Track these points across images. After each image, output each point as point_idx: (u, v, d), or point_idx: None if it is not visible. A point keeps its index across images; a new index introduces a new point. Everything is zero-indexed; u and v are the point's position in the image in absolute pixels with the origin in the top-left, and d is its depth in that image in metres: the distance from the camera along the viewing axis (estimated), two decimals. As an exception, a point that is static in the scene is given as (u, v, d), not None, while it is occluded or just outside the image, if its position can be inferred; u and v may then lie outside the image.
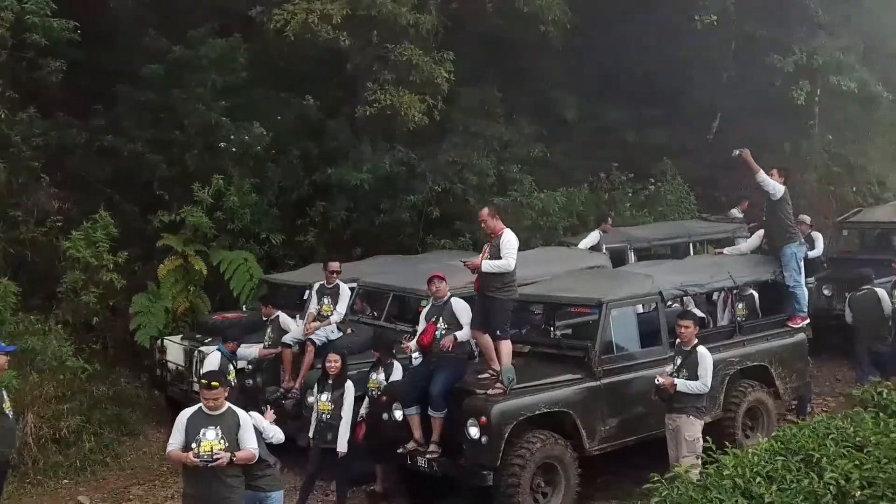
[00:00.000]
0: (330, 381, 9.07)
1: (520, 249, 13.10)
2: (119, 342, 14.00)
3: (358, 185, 15.64)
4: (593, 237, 14.47)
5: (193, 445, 6.72)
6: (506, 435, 8.26)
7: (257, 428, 7.39)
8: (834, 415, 9.00)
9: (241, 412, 7.02)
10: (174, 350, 12.48)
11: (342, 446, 8.89)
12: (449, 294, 9.21)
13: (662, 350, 9.39)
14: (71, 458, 11.11)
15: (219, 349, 10.27)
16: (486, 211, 9.14)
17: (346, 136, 16.35)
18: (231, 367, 10.07)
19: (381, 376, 9.57)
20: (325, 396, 9.04)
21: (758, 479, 7.08)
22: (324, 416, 9.00)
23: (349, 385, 9.09)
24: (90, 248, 12.67)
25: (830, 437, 7.89)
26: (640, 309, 10.17)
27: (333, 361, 9.07)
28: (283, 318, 11.18)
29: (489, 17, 16.51)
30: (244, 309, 13.60)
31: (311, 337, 10.48)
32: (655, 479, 7.17)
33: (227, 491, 6.82)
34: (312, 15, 13.61)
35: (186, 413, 6.93)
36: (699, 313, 10.79)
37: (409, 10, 14.56)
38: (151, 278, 14.36)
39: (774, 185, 10.85)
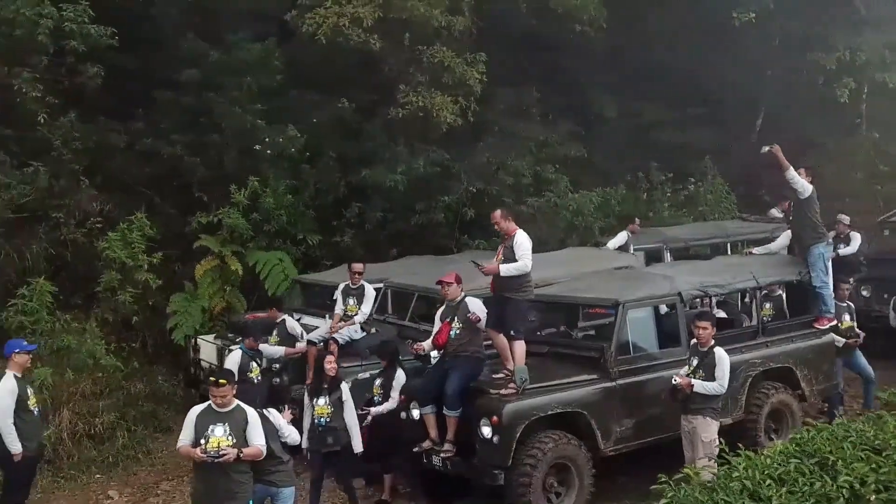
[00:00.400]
0: (325, 385, 8.95)
1: (550, 250, 13.26)
2: (158, 341, 14.33)
3: (392, 186, 15.75)
4: (621, 238, 14.41)
5: (202, 441, 6.90)
6: (517, 434, 8.27)
7: (274, 425, 7.54)
8: (855, 418, 8.85)
9: (249, 409, 7.17)
10: (207, 348, 12.72)
11: (357, 447, 8.94)
12: (463, 294, 9.25)
13: (682, 351, 9.25)
14: (104, 454, 11.38)
15: (240, 347, 10.45)
16: (498, 213, 9.21)
17: (382, 137, 16.47)
18: (254, 364, 10.21)
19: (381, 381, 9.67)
20: (322, 401, 8.92)
21: (768, 482, 7.01)
22: (322, 419, 8.85)
23: (345, 386, 9.05)
24: (125, 249, 12.91)
25: (849, 440, 7.77)
26: (663, 309, 10.07)
27: (330, 363, 9.07)
28: (290, 322, 11.24)
29: (523, 18, 16.45)
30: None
31: (335, 336, 10.60)
32: (662, 479, 7.14)
33: (234, 486, 6.98)
34: (343, 18, 13.76)
35: (196, 410, 7.10)
36: (722, 314, 10.71)
37: (441, 13, 14.63)
38: (190, 278, 14.67)
39: (803, 184, 10.68)
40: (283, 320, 11.22)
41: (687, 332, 9.30)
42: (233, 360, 10.22)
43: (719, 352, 8.47)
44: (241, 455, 6.92)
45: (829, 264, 10.63)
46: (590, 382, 8.84)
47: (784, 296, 11.21)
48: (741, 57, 20.14)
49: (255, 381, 10.01)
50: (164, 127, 15.66)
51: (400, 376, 9.59)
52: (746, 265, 10.67)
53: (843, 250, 12.66)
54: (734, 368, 9.52)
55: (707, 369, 8.41)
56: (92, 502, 10.32)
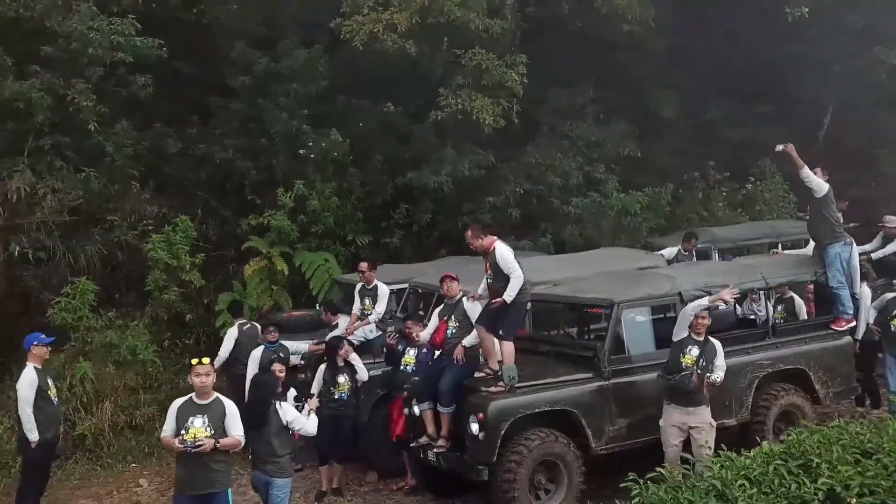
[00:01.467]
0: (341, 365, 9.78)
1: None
2: (210, 338, 14.90)
3: (436, 187, 16.01)
4: (670, 251, 14.21)
5: (182, 432, 7.27)
6: (502, 431, 8.42)
7: (282, 419, 7.82)
8: (852, 420, 8.69)
9: (227, 402, 7.52)
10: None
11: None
12: (461, 293, 9.45)
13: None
14: (141, 445, 11.98)
15: (259, 342, 10.89)
16: (469, 233, 9.29)
17: (429, 140, 16.73)
18: (278, 357, 10.63)
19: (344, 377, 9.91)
20: (342, 378, 9.79)
21: (741, 483, 6.99)
22: (344, 395, 9.78)
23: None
24: (169, 250, 13.49)
25: (840, 442, 7.67)
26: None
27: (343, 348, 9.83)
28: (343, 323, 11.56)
29: (566, 19, 16.48)
30: (318, 307, 14.20)
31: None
32: (631, 477, 7.19)
33: (213, 474, 7.32)
34: (378, 25, 14.08)
35: (177, 402, 7.48)
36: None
37: (478, 16, 14.79)
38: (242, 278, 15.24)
39: (818, 183, 10.53)
40: (337, 324, 11.51)
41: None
42: (255, 357, 10.71)
43: (715, 341, 8.65)
44: (218, 445, 7.27)
45: (847, 265, 10.39)
46: (582, 381, 8.92)
47: (794, 297, 11.08)
48: (807, 53, 19.63)
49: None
50: (218, 132, 16.32)
51: (361, 373, 9.96)
52: (759, 265, 10.51)
53: (868, 247, 12.29)
54: (740, 369, 9.54)
55: (709, 358, 8.51)
56: (122, 489, 10.86)
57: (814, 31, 18.46)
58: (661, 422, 8.64)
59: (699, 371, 8.39)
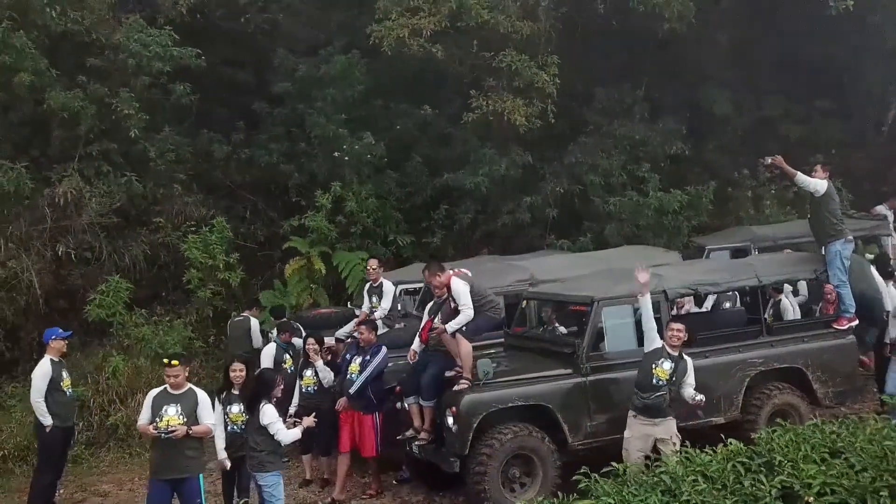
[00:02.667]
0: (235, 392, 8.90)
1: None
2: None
3: (472, 188, 16.27)
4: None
5: (157, 420, 7.77)
6: (474, 424, 8.62)
7: (260, 420, 7.97)
8: (831, 420, 8.58)
9: (200, 392, 8.00)
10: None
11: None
12: (447, 294, 9.67)
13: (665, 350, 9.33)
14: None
15: (275, 341, 11.36)
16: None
17: (466, 141, 17.01)
18: (287, 356, 11.11)
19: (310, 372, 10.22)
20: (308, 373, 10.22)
21: (693, 478, 7.06)
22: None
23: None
24: (205, 250, 14.12)
25: (811, 441, 7.65)
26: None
27: (238, 371, 8.97)
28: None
29: (601, 19, 16.51)
30: (349, 305, 14.63)
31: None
32: (582, 470, 7.33)
33: (185, 460, 7.82)
34: (405, 30, 14.43)
35: (153, 392, 8.01)
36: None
37: (507, 18, 14.99)
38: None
39: (815, 184, 10.39)
40: None
41: (671, 330, 9.34)
42: (269, 353, 11.19)
43: (687, 358, 8.57)
44: (190, 432, 7.74)
45: (848, 262, 10.23)
46: (559, 377, 9.05)
47: (783, 299, 10.99)
48: (868, 46, 19.12)
49: (289, 371, 10.84)
50: (264, 137, 16.96)
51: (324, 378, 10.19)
52: (755, 264, 10.44)
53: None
54: (730, 367, 9.53)
55: (679, 374, 8.45)
56: (143, 476, 11.38)
57: (877, 22, 18.03)
58: (625, 433, 8.57)
59: (670, 388, 8.39)
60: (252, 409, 8.04)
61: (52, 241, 13.86)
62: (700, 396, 8.43)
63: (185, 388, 7.93)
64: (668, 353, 8.49)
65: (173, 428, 7.67)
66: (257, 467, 8.08)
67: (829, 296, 11.79)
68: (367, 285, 11.91)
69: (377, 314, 11.46)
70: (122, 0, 15.80)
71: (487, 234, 17.50)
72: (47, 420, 9.50)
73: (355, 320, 11.48)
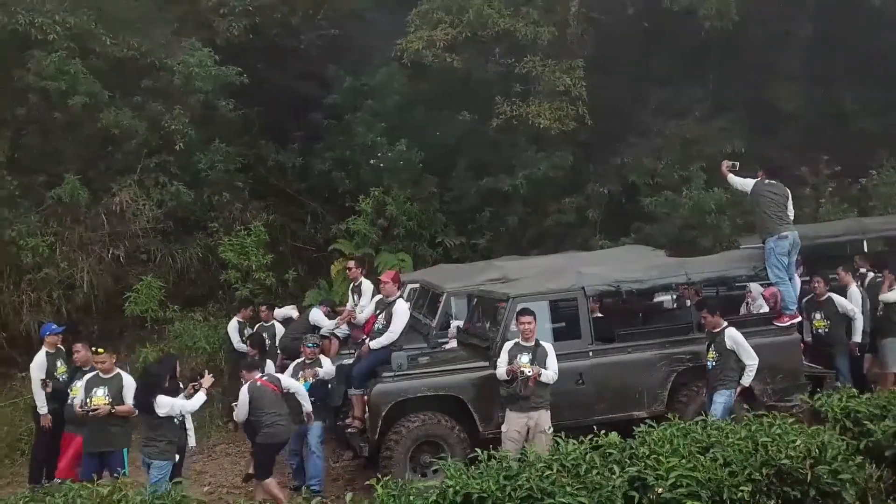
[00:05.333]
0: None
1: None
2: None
3: (508, 191, 16.79)
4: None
5: (87, 399, 8.92)
6: (383, 413, 9.31)
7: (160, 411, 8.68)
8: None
9: (126, 376, 9.10)
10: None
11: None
12: (398, 295, 10.41)
13: (582, 343, 9.68)
14: (197, 419, 13.81)
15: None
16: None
17: (514, 144, 17.53)
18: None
19: None
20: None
21: (541, 465, 7.45)
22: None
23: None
24: (241, 252, 15.35)
25: (684, 437, 7.87)
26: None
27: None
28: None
29: (631, 21, 16.62)
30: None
31: (336, 331, 12.05)
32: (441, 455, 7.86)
33: (110, 436, 8.98)
34: (420, 42, 15.16)
35: (88, 376, 9.19)
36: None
37: (526, 26, 15.42)
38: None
39: (741, 183, 10.73)
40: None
41: (589, 326, 9.69)
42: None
43: (545, 344, 8.98)
44: (113, 411, 8.83)
45: (785, 259, 10.15)
46: (472, 370, 9.59)
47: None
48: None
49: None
50: (318, 146, 18.13)
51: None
52: (688, 262, 10.50)
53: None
54: (654, 363, 9.76)
55: (540, 361, 8.84)
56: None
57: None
58: (503, 427, 9.02)
59: (528, 371, 8.78)
60: (145, 406, 8.66)
61: (110, 245, 15.43)
62: (545, 373, 8.87)
63: (114, 373, 9.06)
64: (524, 346, 9.00)
65: (95, 406, 8.78)
66: (157, 455, 8.70)
67: (750, 294, 11.81)
68: (352, 285, 12.67)
69: (357, 311, 12.14)
70: (183, 24, 17.28)
71: (538, 235, 17.90)
72: (43, 409, 10.47)
73: (339, 318, 12.31)
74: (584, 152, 18.10)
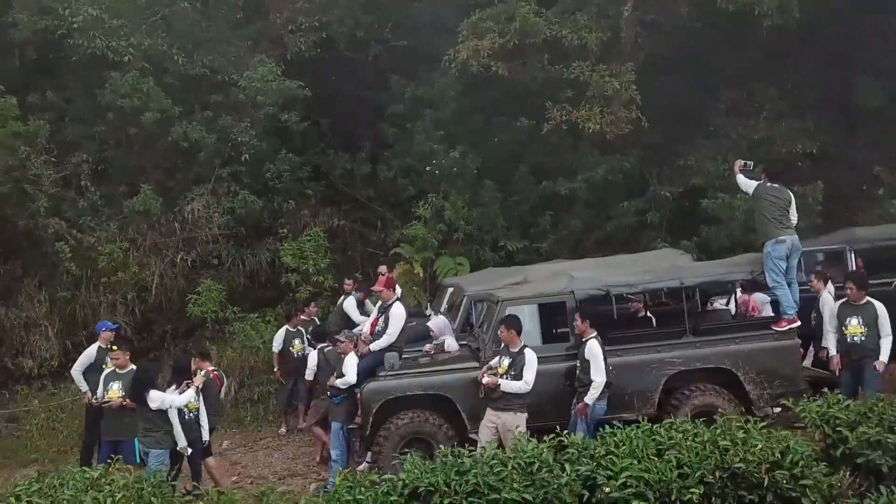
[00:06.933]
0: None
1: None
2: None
3: (567, 194, 16.96)
4: None
5: (104, 393, 9.82)
6: (374, 409, 9.79)
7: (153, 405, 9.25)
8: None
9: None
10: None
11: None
12: (395, 299, 10.90)
13: (570, 346, 9.88)
14: (251, 414, 14.70)
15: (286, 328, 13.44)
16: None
17: (568, 148, 17.68)
18: (296, 341, 13.18)
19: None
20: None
21: (495, 462, 7.77)
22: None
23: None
24: (300, 257, 16.15)
25: (654, 437, 8.04)
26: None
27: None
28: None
29: (682, 22, 16.48)
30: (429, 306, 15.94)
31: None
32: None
33: (122, 426, 9.80)
34: (466, 51, 15.54)
35: (107, 371, 10.06)
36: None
37: (571, 32, 15.58)
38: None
39: (746, 184, 10.61)
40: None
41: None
42: (278, 337, 13.32)
43: (529, 353, 9.15)
44: (125, 403, 9.65)
45: (784, 263, 10.02)
46: (462, 370, 9.95)
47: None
48: None
49: (297, 356, 12.86)
50: (385, 154, 18.79)
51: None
52: (684, 266, 10.49)
53: None
54: (644, 366, 9.88)
55: (517, 369, 9.10)
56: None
57: None
58: (483, 421, 9.35)
59: (486, 379, 9.17)
60: (139, 399, 9.26)
61: (182, 250, 16.53)
62: (485, 380, 9.21)
63: (128, 368, 9.89)
64: (510, 352, 9.28)
65: (109, 399, 9.64)
66: (152, 444, 9.28)
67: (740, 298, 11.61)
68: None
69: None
70: (257, 42, 18.29)
71: (603, 238, 17.95)
72: (84, 387, 11.31)
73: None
74: (648, 155, 18.04)
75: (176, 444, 9.37)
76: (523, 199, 18.17)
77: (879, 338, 9.82)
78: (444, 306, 13.28)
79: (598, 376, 9.31)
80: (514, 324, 9.29)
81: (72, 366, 11.54)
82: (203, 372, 10.03)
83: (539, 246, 17.90)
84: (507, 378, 9.16)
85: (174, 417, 9.32)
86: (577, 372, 9.57)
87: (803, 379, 10.05)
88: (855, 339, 9.86)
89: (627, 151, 17.47)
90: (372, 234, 19.13)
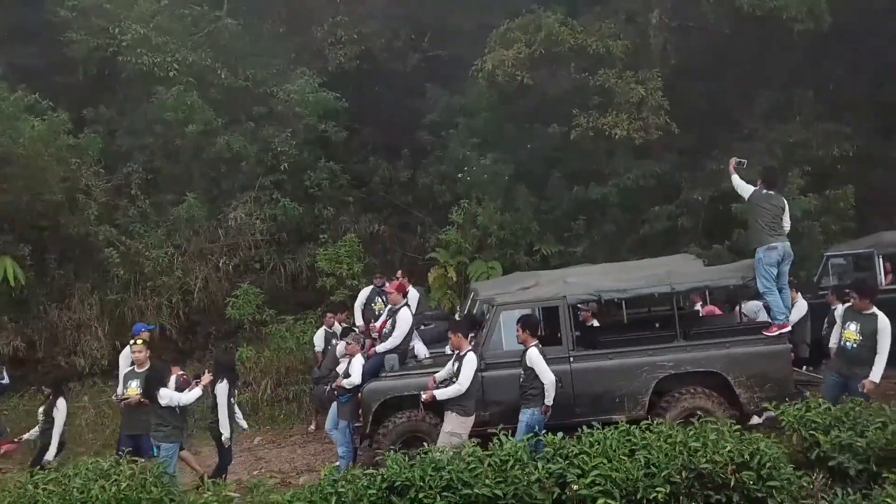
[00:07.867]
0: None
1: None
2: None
3: (598, 199, 17.21)
4: None
5: (123, 390, 10.53)
6: (373, 408, 10.29)
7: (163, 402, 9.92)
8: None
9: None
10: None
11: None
12: (403, 303, 11.37)
13: (562, 350, 10.21)
14: (284, 412, 15.34)
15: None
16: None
17: (601, 153, 17.93)
18: (334, 341, 13.46)
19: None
20: None
21: (473, 466, 8.18)
22: None
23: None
24: (336, 261, 16.75)
25: (627, 439, 8.37)
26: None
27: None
28: None
29: (713, 27, 16.57)
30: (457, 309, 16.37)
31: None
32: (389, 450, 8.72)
33: (140, 421, 10.45)
34: (492, 61, 15.94)
35: (126, 368, 10.76)
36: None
37: (596, 41, 15.84)
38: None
39: (742, 187, 10.59)
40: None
41: (570, 333, 10.23)
42: (318, 337, 13.99)
43: (468, 357, 9.57)
44: (142, 400, 10.34)
45: (774, 270, 10.16)
46: (457, 372, 10.34)
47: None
48: None
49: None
50: (423, 161, 19.32)
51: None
52: (675, 271, 10.69)
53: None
54: (633, 369, 10.17)
55: (459, 370, 9.57)
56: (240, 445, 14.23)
57: None
58: None
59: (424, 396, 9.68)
60: (152, 397, 9.96)
61: (227, 254, 17.32)
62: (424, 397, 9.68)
63: (148, 366, 10.57)
64: (458, 356, 9.69)
65: (126, 396, 10.35)
66: (162, 438, 9.93)
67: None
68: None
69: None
70: (300, 54, 19.03)
71: (638, 241, 18.12)
72: (119, 389, 12.34)
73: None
74: (681, 160, 18.15)
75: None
76: (557, 204, 18.48)
77: (874, 352, 9.42)
78: (466, 310, 13.70)
79: (546, 378, 9.50)
80: (460, 328, 9.83)
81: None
82: (205, 373, 10.70)
83: (574, 250, 18.16)
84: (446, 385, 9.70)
85: (222, 409, 10.32)
86: (521, 380, 9.77)
87: (795, 383, 10.16)
88: (848, 344, 9.62)
89: (660, 156, 17.62)
90: (412, 238, 19.65)
